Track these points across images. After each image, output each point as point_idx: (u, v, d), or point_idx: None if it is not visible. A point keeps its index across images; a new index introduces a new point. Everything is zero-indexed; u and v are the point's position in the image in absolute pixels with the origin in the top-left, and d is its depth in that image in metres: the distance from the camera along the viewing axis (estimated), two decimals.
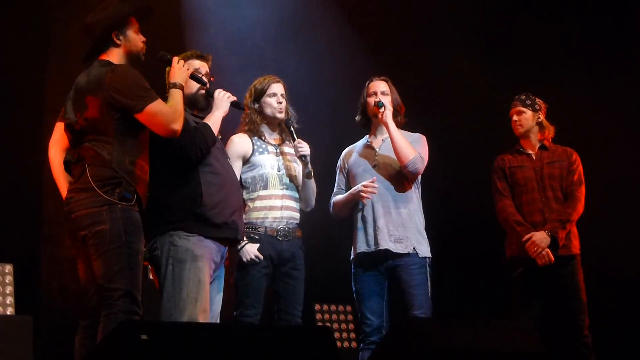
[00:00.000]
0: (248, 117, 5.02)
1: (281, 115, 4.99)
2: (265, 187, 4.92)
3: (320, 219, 5.54)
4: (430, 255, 5.07)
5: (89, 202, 3.90)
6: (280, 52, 7.05)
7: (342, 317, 7.15)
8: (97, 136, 3.96)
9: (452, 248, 6.67)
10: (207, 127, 4.37)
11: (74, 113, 4.04)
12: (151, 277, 4.60)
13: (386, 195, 5.07)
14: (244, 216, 4.74)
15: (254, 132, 5.00)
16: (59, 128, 4.18)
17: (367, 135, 5.32)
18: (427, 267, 5.04)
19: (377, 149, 5.21)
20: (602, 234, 6.36)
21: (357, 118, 5.32)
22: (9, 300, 5.75)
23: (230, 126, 4.96)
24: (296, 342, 3.40)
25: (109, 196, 3.89)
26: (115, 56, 4.12)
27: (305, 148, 4.93)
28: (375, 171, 5.12)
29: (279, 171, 4.96)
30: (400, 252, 5.01)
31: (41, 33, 6.48)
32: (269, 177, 4.92)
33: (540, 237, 5.26)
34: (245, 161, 4.94)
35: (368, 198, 5.02)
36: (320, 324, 6.99)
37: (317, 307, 7.09)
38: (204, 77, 4.55)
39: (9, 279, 5.79)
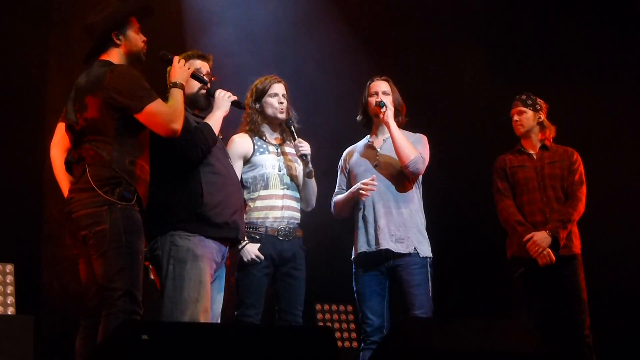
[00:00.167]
0: (249, 116, 5.02)
1: (282, 116, 4.99)
2: (266, 187, 4.91)
3: (321, 219, 5.53)
4: (431, 255, 5.07)
5: (89, 202, 3.90)
6: (281, 52, 7.05)
7: (343, 317, 7.15)
8: (97, 136, 3.96)
9: (453, 248, 6.68)
10: (208, 127, 4.37)
11: (74, 113, 4.04)
12: (152, 277, 4.60)
13: (387, 195, 5.07)
14: (245, 216, 4.74)
15: (255, 132, 5.00)
16: (61, 128, 4.19)
17: (368, 135, 5.32)
18: (428, 267, 5.03)
19: (379, 149, 5.20)
20: (603, 233, 6.36)
21: (358, 118, 5.32)
22: (10, 300, 5.75)
23: (231, 126, 4.96)
24: (297, 342, 3.39)
25: (109, 196, 3.89)
26: (115, 56, 4.11)
27: (305, 147, 4.93)
28: (377, 171, 5.12)
29: (280, 171, 4.95)
30: (401, 252, 5.01)
31: (42, 33, 6.48)
32: (270, 177, 4.92)
33: (541, 237, 5.26)
34: (246, 161, 4.94)
35: (367, 195, 5.02)
36: (321, 323, 6.98)
37: (318, 307, 7.09)
38: (205, 77, 4.54)
39: (10, 278, 5.79)
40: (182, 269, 4.19)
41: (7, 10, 6.27)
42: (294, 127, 4.99)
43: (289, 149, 5.04)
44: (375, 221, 5.05)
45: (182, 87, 4.20)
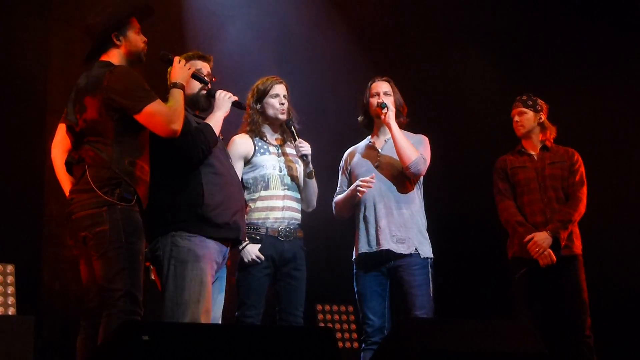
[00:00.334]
0: (250, 117, 5.01)
1: (283, 117, 4.99)
2: (267, 187, 4.91)
3: (322, 220, 5.53)
4: (432, 255, 5.07)
5: (89, 203, 3.89)
6: (281, 51, 7.05)
7: (343, 317, 7.15)
8: (97, 137, 3.96)
9: (454, 249, 6.68)
10: (209, 128, 4.37)
11: (74, 114, 4.04)
12: (153, 277, 4.60)
13: (388, 195, 5.07)
14: (246, 217, 4.74)
15: (256, 133, 4.99)
16: (61, 129, 4.18)
17: (370, 136, 5.32)
18: (429, 268, 5.03)
19: (380, 150, 5.20)
20: (604, 234, 6.36)
21: (359, 118, 5.32)
22: (11, 300, 5.75)
23: (231, 126, 4.96)
24: (298, 343, 3.39)
25: (109, 197, 3.89)
26: (115, 57, 4.11)
27: (306, 148, 4.93)
28: (378, 172, 5.11)
29: (281, 172, 4.95)
30: (402, 252, 5.00)
31: (43, 33, 6.48)
32: (271, 177, 4.92)
33: (542, 238, 5.26)
34: (247, 162, 4.94)
35: (364, 192, 5.00)
36: (321, 324, 6.99)
37: (319, 307, 7.09)
38: (205, 77, 4.54)
39: (10, 279, 5.80)
40: (183, 269, 4.19)
41: (8, 10, 6.27)
42: (294, 127, 4.99)
43: (289, 149, 5.03)
44: (376, 222, 5.04)
45: (182, 87, 4.19)
